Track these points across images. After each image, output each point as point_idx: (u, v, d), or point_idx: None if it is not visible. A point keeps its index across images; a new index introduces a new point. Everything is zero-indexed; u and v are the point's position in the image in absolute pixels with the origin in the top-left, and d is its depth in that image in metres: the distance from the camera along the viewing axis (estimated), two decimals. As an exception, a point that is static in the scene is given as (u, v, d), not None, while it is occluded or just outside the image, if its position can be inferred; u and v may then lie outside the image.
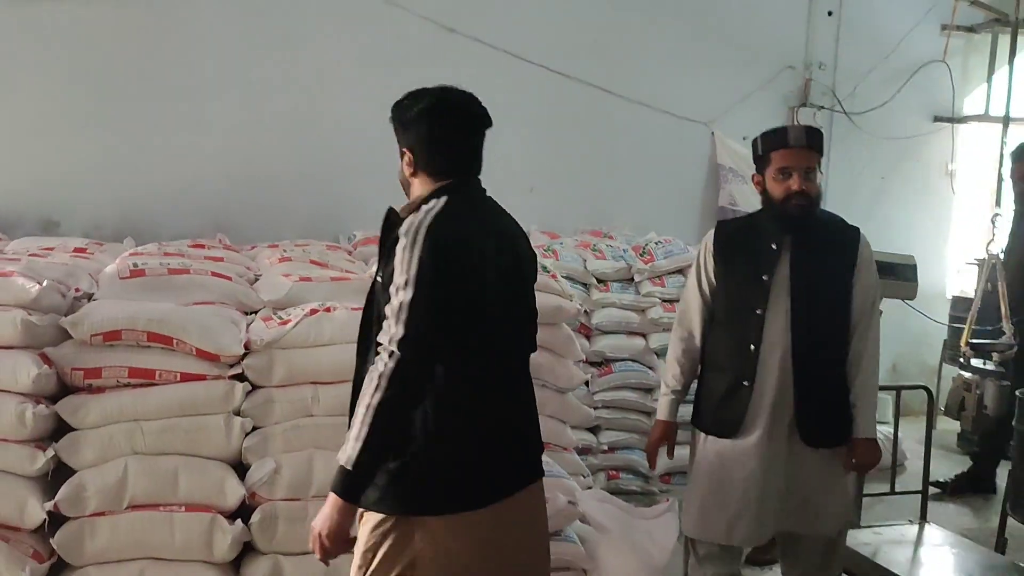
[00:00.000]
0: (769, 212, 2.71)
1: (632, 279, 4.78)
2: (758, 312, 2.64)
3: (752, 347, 2.64)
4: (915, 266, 3.50)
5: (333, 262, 3.87)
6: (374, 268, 3.60)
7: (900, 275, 3.47)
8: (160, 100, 4.79)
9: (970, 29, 6.30)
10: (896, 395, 3.43)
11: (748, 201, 5.46)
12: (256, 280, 3.59)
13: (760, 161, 2.71)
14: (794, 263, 2.65)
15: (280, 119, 5.02)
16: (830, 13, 5.98)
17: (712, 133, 5.79)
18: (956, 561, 3.24)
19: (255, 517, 2.76)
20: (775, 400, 2.63)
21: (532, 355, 3.57)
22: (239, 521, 2.75)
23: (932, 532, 3.45)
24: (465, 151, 2.12)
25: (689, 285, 2.87)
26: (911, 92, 6.03)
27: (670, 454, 2.93)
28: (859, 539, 3.32)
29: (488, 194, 2.16)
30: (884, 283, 3.45)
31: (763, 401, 2.64)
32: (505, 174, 5.27)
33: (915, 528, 3.46)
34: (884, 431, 4.87)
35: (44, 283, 2.75)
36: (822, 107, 5.95)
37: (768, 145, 2.67)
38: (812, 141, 2.67)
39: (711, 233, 2.83)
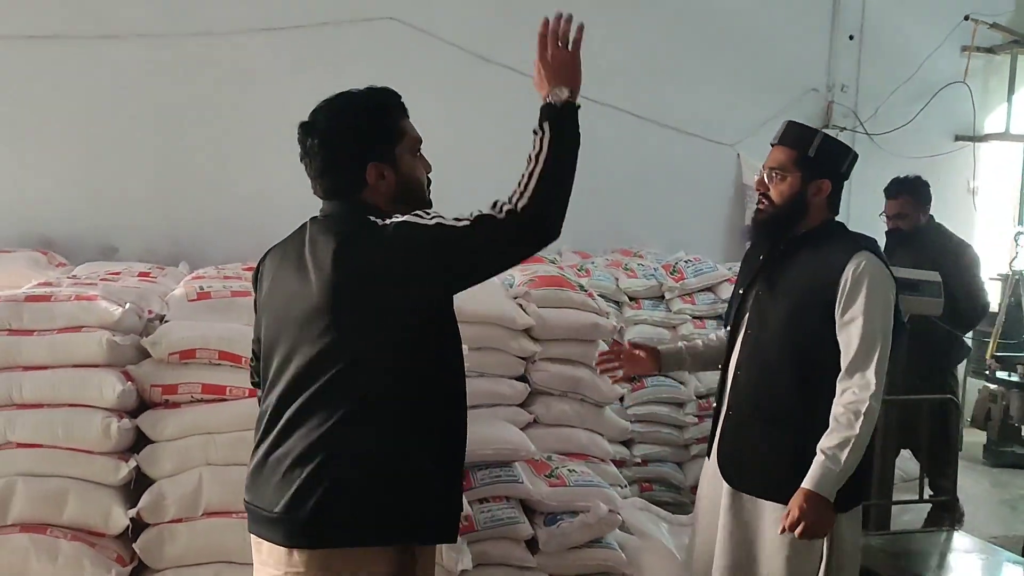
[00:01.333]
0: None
1: (663, 297, 4.94)
2: (728, 328, 2.53)
3: (721, 366, 2.50)
4: (940, 283, 3.63)
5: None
6: None
7: (924, 292, 3.60)
8: (209, 131, 5.04)
9: (989, 50, 6.47)
10: (923, 407, 3.56)
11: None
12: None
13: None
14: (765, 278, 2.39)
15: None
16: (851, 37, 6.17)
17: (738, 155, 5.97)
18: (984, 567, 3.36)
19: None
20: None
21: (569, 371, 3.79)
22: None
23: (960, 539, 3.57)
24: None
25: None
26: (932, 112, 6.18)
27: (625, 367, 2.74)
28: (889, 545, 3.46)
29: (319, 217, 2.05)
30: (908, 300, 3.61)
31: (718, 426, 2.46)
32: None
33: (943, 535, 3.59)
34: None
35: (127, 306, 2.96)
36: (844, 128, 6.12)
37: None
38: (785, 137, 2.40)
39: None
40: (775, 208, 2.33)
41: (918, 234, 4.19)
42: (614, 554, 3.36)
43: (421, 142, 2.06)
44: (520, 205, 1.83)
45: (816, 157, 2.32)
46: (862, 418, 2.15)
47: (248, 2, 5.06)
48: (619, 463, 4.57)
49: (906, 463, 4.39)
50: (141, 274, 3.95)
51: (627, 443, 4.69)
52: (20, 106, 4.76)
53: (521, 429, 3.69)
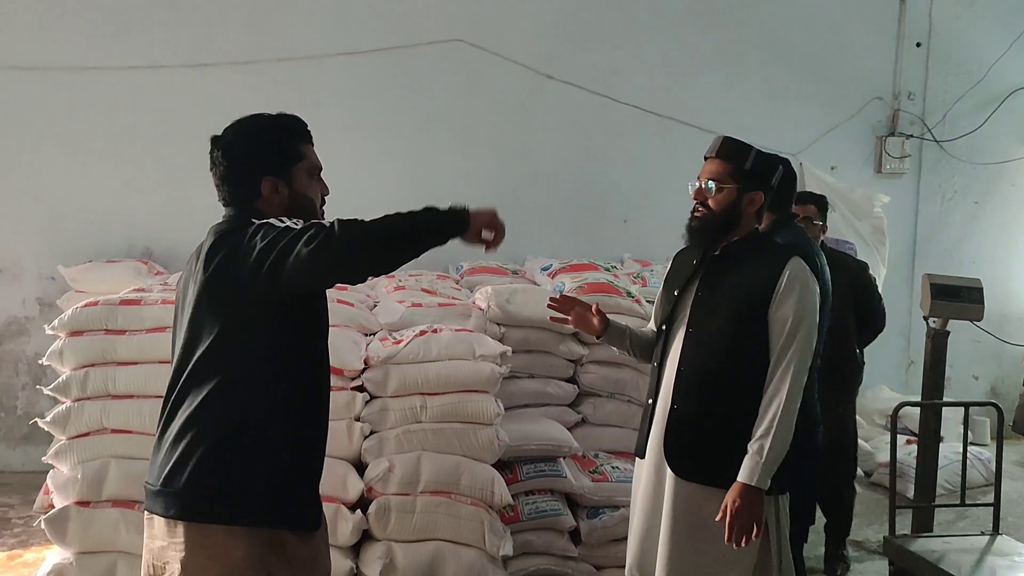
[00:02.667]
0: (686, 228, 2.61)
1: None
2: (663, 328, 2.62)
3: (656, 364, 2.62)
4: (981, 289, 3.66)
5: (441, 290, 4.36)
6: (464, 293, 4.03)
7: (965, 298, 3.64)
8: (292, 149, 5.42)
9: (1063, 54, 6.34)
10: (964, 412, 3.61)
11: (836, 229, 5.67)
12: (375, 306, 4.10)
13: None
14: (703, 281, 2.54)
15: (395, 161, 5.59)
16: (919, 44, 6.14)
17: (800, 164, 6.02)
18: (1017, 566, 3.38)
19: (371, 508, 3.20)
20: (663, 421, 2.54)
21: (616, 373, 3.96)
22: (359, 511, 3.21)
23: (1003, 542, 3.59)
24: None
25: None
26: (1002, 118, 6.12)
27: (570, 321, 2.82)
28: (928, 547, 3.51)
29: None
30: (949, 305, 3.68)
31: (658, 422, 2.56)
32: (600, 205, 5.78)
33: (986, 539, 3.61)
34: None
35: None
36: (911, 135, 6.10)
37: None
38: (721, 151, 2.52)
39: (676, 254, 2.77)
40: (713, 216, 2.48)
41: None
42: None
43: (320, 168, 2.21)
44: (344, 229, 1.85)
45: (751, 170, 2.48)
46: (780, 410, 2.34)
47: (326, 29, 5.45)
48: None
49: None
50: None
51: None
52: (125, 130, 5.26)
53: (570, 428, 3.91)
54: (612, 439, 4.03)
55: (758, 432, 2.36)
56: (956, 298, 3.63)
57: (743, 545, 2.36)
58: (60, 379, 3.25)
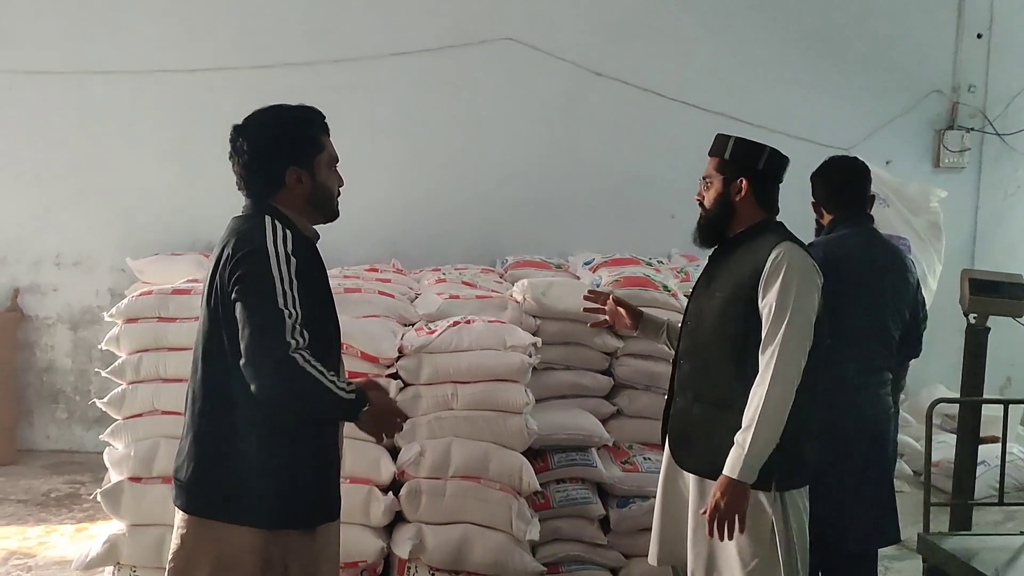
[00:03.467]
0: None
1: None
2: (679, 324, 2.71)
3: (673, 360, 2.67)
4: (1023, 285, 3.60)
5: (482, 283, 4.48)
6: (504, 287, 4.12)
7: (1006, 294, 3.57)
8: (345, 143, 5.57)
9: None
10: (1004, 410, 3.55)
11: (891, 225, 5.57)
12: (416, 298, 4.24)
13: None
14: (704, 275, 2.61)
15: (446, 158, 5.73)
16: (980, 35, 5.99)
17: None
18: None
19: (403, 491, 3.34)
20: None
21: (651, 366, 4.01)
22: (391, 494, 3.35)
23: (1039, 534, 3.53)
24: None
25: None
26: (1066, 111, 5.92)
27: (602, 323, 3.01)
28: (963, 544, 3.46)
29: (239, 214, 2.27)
30: (989, 301, 3.62)
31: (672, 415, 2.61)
32: (648, 201, 5.82)
33: (1020, 539, 3.55)
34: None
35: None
36: (971, 129, 5.95)
37: None
38: (712, 148, 2.58)
39: None
40: (707, 212, 2.54)
41: None
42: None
43: (337, 160, 2.29)
44: (293, 367, 2.00)
45: (731, 159, 2.50)
46: (763, 401, 2.27)
47: (379, 29, 5.63)
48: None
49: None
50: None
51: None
52: (191, 130, 5.52)
53: (605, 420, 3.97)
54: (647, 431, 4.05)
55: (744, 423, 2.31)
56: (996, 294, 3.56)
57: (726, 540, 2.32)
58: (117, 363, 3.48)
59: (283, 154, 2.19)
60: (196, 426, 2.16)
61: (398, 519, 3.40)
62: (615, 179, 5.81)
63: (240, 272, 2.06)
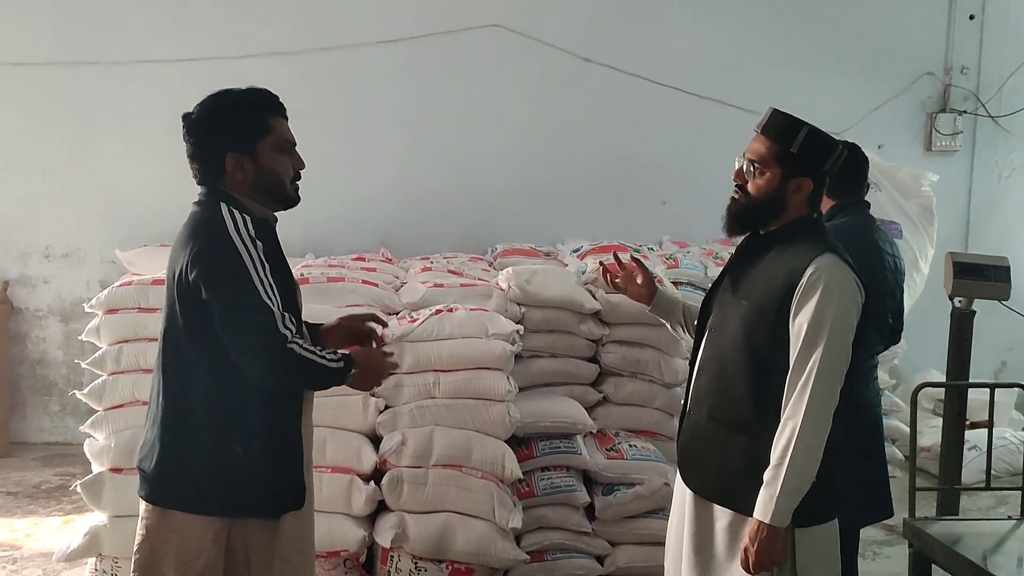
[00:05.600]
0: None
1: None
2: (697, 325, 2.40)
3: (689, 362, 2.40)
4: (1008, 267, 3.56)
5: (469, 271, 4.46)
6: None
7: (990, 276, 3.54)
8: (333, 133, 5.60)
9: None
10: (991, 393, 3.52)
11: (883, 209, 5.53)
12: (401, 287, 4.23)
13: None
14: (729, 275, 2.29)
15: (435, 146, 5.70)
16: (972, 17, 5.93)
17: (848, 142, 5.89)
18: (1041, 553, 3.30)
19: (385, 480, 3.34)
20: None
21: (637, 353, 3.99)
22: (372, 483, 3.34)
23: (1027, 527, 3.51)
24: None
25: None
26: (1060, 94, 5.87)
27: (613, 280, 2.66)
28: (947, 529, 3.44)
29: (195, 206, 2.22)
30: (973, 284, 3.59)
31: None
32: (639, 188, 5.78)
33: (1010, 524, 3.53)
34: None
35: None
36: (964, 111, 5.90)
37: None
38: (768, 127, 2.19)
39: None
40: (749, 202, 2.19)
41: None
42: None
43: (292, 143, 2.21)
44: (287, 353, 2.04)
45: (799, 154, 2.14)
46: (797, 435, 2.02)
47: (365, 18, 5.58)
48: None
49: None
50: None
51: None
52: (179, 121, 5.47)
53: (591, 407, 3.96)
54: (633, 418, 4.07)
55: (773, 460, 2.05)
56: (980, 277, 3.54)
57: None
58: (97, 354, 3.48)
59: (220, 140, 2.15)
60: (157, 416, 2.15)
61: (380, 508, 3.40)
62: (606, 166, 5.78)
63: (206, 263, 2.04)
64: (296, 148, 2.24)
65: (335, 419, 3.40)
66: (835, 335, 2.05)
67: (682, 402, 2.43)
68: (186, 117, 2.20)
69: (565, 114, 5.76)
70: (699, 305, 2.48)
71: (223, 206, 2.11)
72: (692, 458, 2.31)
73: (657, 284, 2.65)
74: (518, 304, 3.96)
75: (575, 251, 4.91)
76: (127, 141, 5.51)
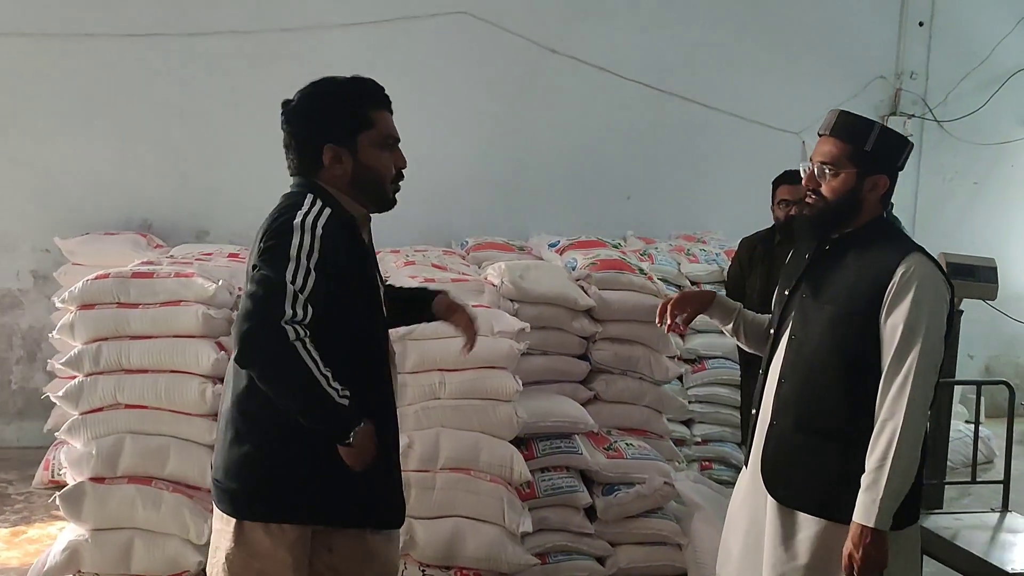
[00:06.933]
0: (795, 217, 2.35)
1: (724, 281, 5.06)
2: (771, 332, 2.35)
3: (762, 371, 2.34)
4: (995, 268, 3.68)
5: (451, 265, 4.32)
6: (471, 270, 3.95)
7: (980, 277, 3.66)
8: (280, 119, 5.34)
9: (1063, 35, 6.37)
10: (977, 391, 3.63)
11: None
12: (385, 281, 4.04)
13: None
14: (808, 279, 2.24)
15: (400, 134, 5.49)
16: (921, 24, 6.14)
17: (803, 142, 6.01)
18: (1031, 544, 3.42)
19: (392, 484, 3.18)
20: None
21: (628, 351, 3.95)
22: (379, 487, 3.18)
23: (1013, 519, 3.62)
24: None
25: None
26: (1004, 98, 6.14)
27: (684, 322, 2.46)
28: (939, 523, 3.52)
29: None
30: (962, 284, 3.69)
31: (759, 437, 2.30)
32: (603, 182, 5.75)
33: (996, 516, 3.65)
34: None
35: (219, 282, 3.26)
36: (912, 115, 6.10)
37: None
38: (837, 128, 2.16)
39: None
40: (827, 204, 2.15)
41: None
42: (669, 524, 3.55)
43: (396, 139, 2.07)
44: (274, 343, 1.83)
45: (874, 151, 2.12)
46: (898, 436, 2.00)
47: (328, -1, 5.35)
48: (679, 442, 4.72)
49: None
50: (231, 255, 4.26)
51: (687, 423, 4.84)
52: (123, 101, 5.14)
53: (582, 404, 3.89)
54: (623, 416, 4.02)
55: (872, 463, 2.03)
56: (971, 277, 3.64)
57: None
58: (72, 353, 3.19)
59: (319, 131, 2.01)
60: (231, 422, 1.98)
61: (384, 514, 3.24)
62: (571, 158, 5.72)
63: (261, 245, 1.92)
64: (400, 145, 2.11)
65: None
66: (930, 334, 2.05)
67: (753, 411, 2.37)
68: (285, 104, 2.06)
69: (531, 105, 5.67)
70: (758, 316, 2.49)
71: (309, 196, 1.97)
72: (778, 468, 2.24)
73: (713, 292, 2.63)
74: (511, 300, 3.85)
75: (552, 246, 4.83)
76: (65, 119, 5.12)
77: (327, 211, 1.95)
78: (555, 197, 5.66)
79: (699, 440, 4.84)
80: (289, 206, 1.97)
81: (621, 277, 4.08)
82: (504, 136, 5.64)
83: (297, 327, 1.83)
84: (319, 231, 1.89)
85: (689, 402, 4.74)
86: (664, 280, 4.89)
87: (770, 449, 2.25)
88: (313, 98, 2.03)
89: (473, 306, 3.48)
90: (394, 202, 2.12)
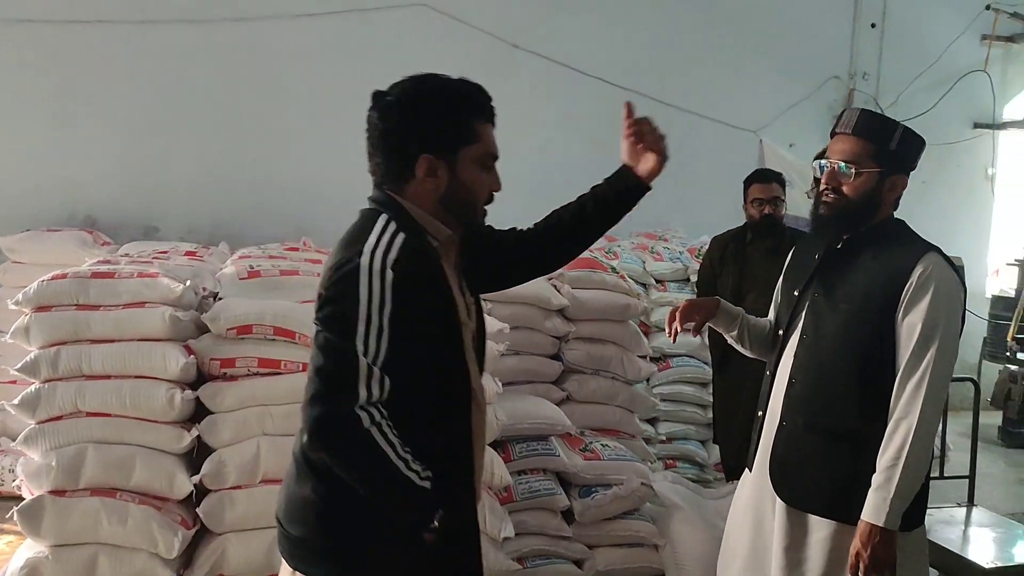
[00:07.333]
0: (811, 216, 2.29)
1: (688, 279, 5.07)
2: (780, 333, 2.31)
3: (769, 372, 2.31)
4: (962, 267, 3.73)
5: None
6: None
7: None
8: (246, 113, 5.17)
9: (1009, 39, 6.55)
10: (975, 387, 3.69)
11: (796, 205, 5.72)
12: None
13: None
14: (820, 278, 2.22)
15: (356, 129, 5.34)
16: (873, 25, 6.25)
17: (760, 140, 6.06)
18: (1004, 538, 3.49)
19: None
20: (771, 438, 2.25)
21: (600, 350, 3.91)
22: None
23: (979, 514, 3.70)
24: None
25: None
26: (953, 100, 6.28)
27: (694, 330, 2.43)
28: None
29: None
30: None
31: (766, 437, 2.27)
32: (564, 181, 5.65)
33: (963, 510, 3.72)
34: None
35: (187, 283, 3.10)
36: (865, 115, 6.21)
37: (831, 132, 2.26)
38: (860, 128, 2.13)
39: (796, 244, 2.48)
40: (848, 203, 2.13)
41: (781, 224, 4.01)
42: (647, 526, 3.51)
43: (495, 157, 1.80)
44: (353, 435, 1.60)
45: (897, 151, 2.12)
46: (912, 435, 1.99)
47: (282, -11, 5.18)
48: (644, 440, 4.71)
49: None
50: (188, 253, 4.09)
51: (652, 421, 4.83)
52: (65, 90, 4.90)
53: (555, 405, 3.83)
54: (596, 416, 4.00)
55: (885, 461, 2.02)
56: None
57: None
58: (28, 358, 2.98)
59: (419, 137, 1.72)
60: (297, 462, 1.76)
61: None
62: (530, 155, 5.65)
63: (326, 282, 1.66)
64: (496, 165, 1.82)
65: (285, 428, 3.08)
66: (947, 335, 2.05)
67: (759, 413, 2.32)
68: (379, 97, 1.76)
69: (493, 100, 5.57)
70: (760, 320, 2.46)
71: (382, 218, 1.70)
72: (788, 469, 2.21)
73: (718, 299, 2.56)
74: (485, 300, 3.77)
75: (518, 243, 4.76)
76: (4, 109, 4.84)
77: (399, 239, 1.66)
78: (513, 193, 5.54)
79: (664, 438, 4.84)
80: (357, 235, 1.68)
81: (594, 276, 4.04)
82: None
83: (372, 410, 1.61)
84: (389, 275, 1.62)
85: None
86: (630, 278, 4.87)
87: (779, 450, 2.22)
88: (417, 97, 1.74)
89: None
90: (482, 225, 1.88)
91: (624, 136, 2.01)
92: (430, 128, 1.72)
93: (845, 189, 2.13)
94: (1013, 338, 3.95)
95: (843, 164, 2.13)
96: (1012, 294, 5.47)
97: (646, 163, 1.98)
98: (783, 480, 2.21)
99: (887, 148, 2.12)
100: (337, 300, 1.62)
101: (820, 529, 2.15)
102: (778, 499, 2.20)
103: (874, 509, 2.01)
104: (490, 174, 1.79)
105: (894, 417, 2.04)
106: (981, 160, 6.69)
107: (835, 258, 2.21)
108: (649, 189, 1.97)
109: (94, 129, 4.96)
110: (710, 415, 4.82)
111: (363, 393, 1.59)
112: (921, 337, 2.03)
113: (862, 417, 2.10)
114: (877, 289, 2.10)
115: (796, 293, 2.28)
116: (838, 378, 2.13)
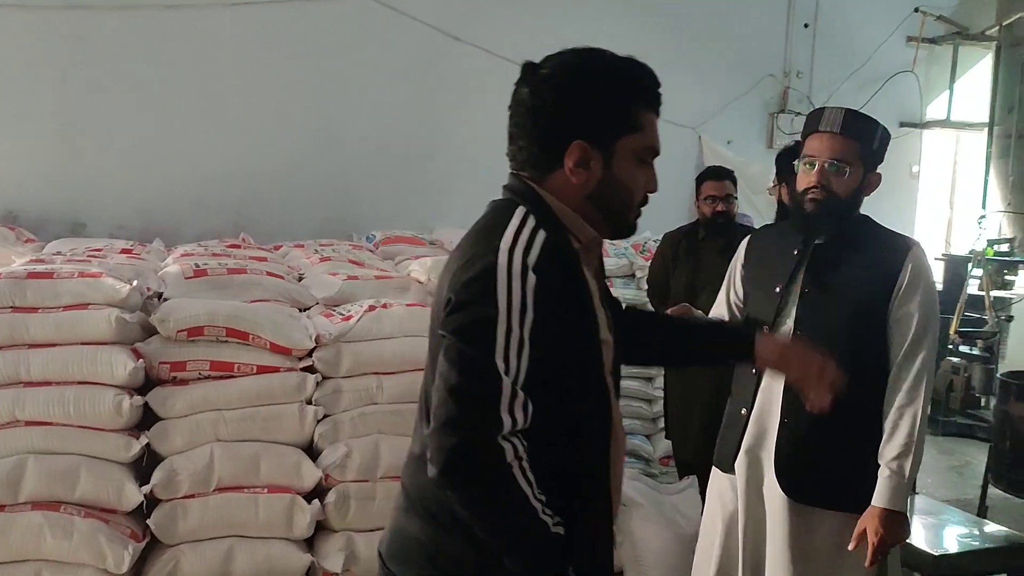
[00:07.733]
0: (794, 212, 2.31)
1: (634, 275, 5.09)
2: (764, 329, 2.23)
3: (754, 370, 2.26)
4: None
5: (368, 261, 4.12)
6: (424, 273, 3.73)
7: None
8: (180, 104, 4.97)
9: (933, 41, 6.77)
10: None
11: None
12: (301, 278, 3.81)
13: (800, 150, 2.26)
14: (810, 274, 2.23)
15: (295, 122, 5.22)
16: (806, 25, 6.38)
17: (699, 137, 6.13)
18: (948, 525, 3.60)
19: (330, 497, 2.98)
20: (768, 435, 2.24)
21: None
22: (316, 501, 2.97)
23: (920, 501, 3.81)
24: None
25: (719, 296, 2.51)
26: (881, 99, 6.45)
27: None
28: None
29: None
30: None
31: (755, 434, 2.27)
32: (505, 176, 5.63)
33: (918, 498, 3.82)
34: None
35: (134, 283, 2.95)
36: (799, 113, 6.33)
37: (804, 130, 2.27)
38: (848, 127, 2.16)
39: (747, 239, 2.50)
40: (839, 201, 2.17)
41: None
42: (604, 522, 3.50)
43: (656, 152, 1.56)
44: (494, 480, 1.35)
45: (876, 150, 2.21)
46: (917, 422, 2.09)
47: (220, -25, 4.99)
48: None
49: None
50: (124, 251, 3.91)
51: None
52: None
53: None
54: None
55: (894, 449, 2.08)
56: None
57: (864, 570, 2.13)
58: (-41, 365, 2.80)
59: (574, 119, 1.47)
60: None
61: (319, 529, 3.04)
62: (476, 149, 5.57)
63: (457, 285, 1.40)
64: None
65: (267, 432, 3.00)
66: (936, 328, 2.17)
67: (743, 411, 2.30)
68: (532, 70, 1.52)
69: (434, 93, 5.50)
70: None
71: (519, 211, 1.45)
72: (793, 466, 2.20)
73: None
74: (438, 298, 3.70)
75: (466, 240, 4.70)
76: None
77: (540, 236, 1.41)
78: (461, 188, 5.50)
79: (610, 433, 4.83)
80: (490, 229, 1.43)
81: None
82: (407, 124, 5.45)
83: (516, 443, 1.36)
84: (531, 278, 1.37)
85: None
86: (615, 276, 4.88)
87: (786, 450, 2.21)
88: (578, 74, 1.50)
89: (408, 305, 3.36)
90: (633, 230, 1.60)
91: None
92: (589, 111, 1.48)
93: (835, 187, 2.17)
94: (956, 331, 4.10)
95: (834, 163, 2.16)
96: (940, 287, 5.67)
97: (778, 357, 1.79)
98: (793, 479, 2.19)
99: (870, 147, 2.19)
100: (473, 304, 1.36)
101: (826, 521, 2.18)
102: (776, 495, 2.21)
103: (889, 494, 2.08)
104: (647, 171, 1.54)
105: (896, 405, 2.11)
106: (906, 158, 6.90)
107: (821, 253, 2.23)
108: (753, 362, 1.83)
109: (17, 120, 4.70)
110: (655, 409, 4.86)
111: (507, 420, 1.34)
112: (919, 326, 2.12)
113: (864, 408, 2.14)
114: (873, 282, 2.17)
115: (778, 289, 2.26)
116: (841, 370, 2.09)
